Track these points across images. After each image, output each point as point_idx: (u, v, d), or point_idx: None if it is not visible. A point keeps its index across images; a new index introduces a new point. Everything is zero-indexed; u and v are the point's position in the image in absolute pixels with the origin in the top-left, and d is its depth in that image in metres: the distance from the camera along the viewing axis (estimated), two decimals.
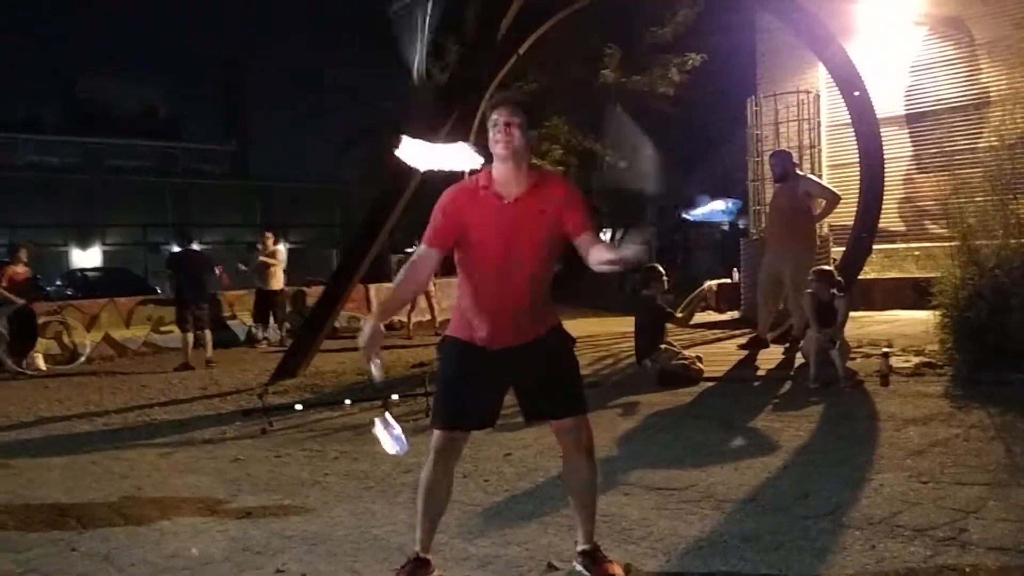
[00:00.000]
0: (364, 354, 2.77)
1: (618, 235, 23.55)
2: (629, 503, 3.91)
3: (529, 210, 2.83)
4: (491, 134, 2.84)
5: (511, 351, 2.89)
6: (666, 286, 7.50)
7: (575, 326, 11.56)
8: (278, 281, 12.70)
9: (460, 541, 3.46)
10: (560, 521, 3.67)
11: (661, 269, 7.54)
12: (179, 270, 11.01)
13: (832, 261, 8.89)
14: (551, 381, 2.99)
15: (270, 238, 13.12)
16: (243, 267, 13.52)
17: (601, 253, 2.75)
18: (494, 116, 2.83)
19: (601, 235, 2.94)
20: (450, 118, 8.71)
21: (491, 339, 2.87)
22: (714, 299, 12.72)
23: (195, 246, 11.62)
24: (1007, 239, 6.29)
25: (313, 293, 13.12)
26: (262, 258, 12.78)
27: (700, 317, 11.43)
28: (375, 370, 2.79)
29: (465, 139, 8.78)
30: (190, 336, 10.46)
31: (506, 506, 3.99)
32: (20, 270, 10.58)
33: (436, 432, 2.94)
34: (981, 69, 10.85)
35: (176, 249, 11.40)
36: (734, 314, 11.18)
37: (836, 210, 8.05)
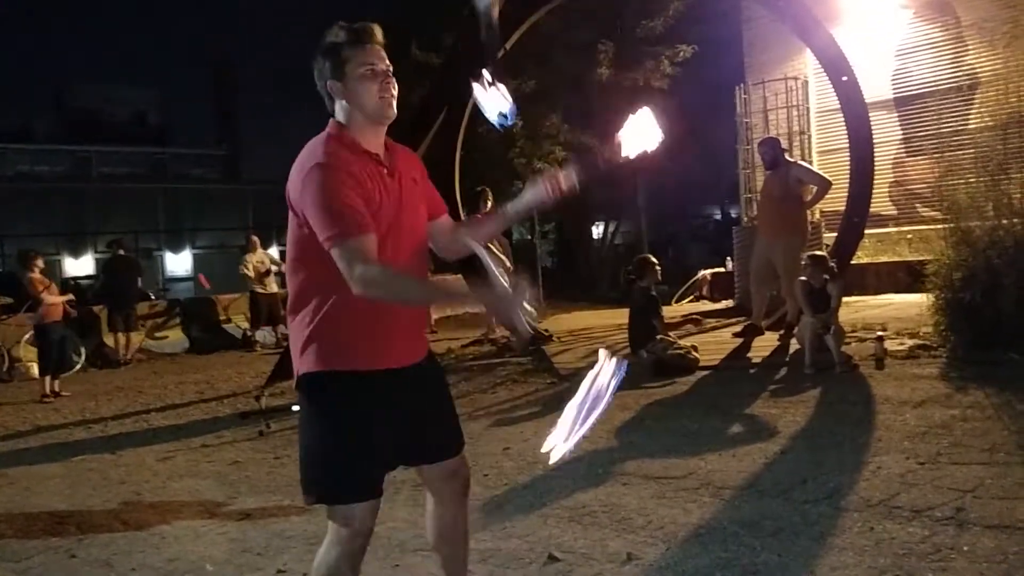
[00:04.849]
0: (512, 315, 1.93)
1: (611, 228, 23.57)
2: (628, 493, 3.92)
3: (407, 180, 2.20)
4: (358, 85, 2.11)
5: (399, 374, 2.19)
6: (659, 277, 7.53)
7: (570, 319, 11.67)
8: (273, 284, 12.78)
9: None
10: (560, 514, 3.69)
11: (655, 260, 7.56)
12: (111, 276, 11.64)
13: (824, 247, 8.91)
14: (437, 414, 2.33)
15: (257, 241, 13.24)
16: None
17: (475, 230, 2.34)
18: (365, 61, 2.11)
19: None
20: (439, 115, 8.71)
21: (377, 357, 2.13)
22: (708, 289, 12.74)
23: (123, 252, 12.23)
24: (999, 219, 6.31)
25: None
26: (250, 264, 12.83)
27: (694, 306, 11.45)
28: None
29: (453, 142, 8.75)
30: (121, 336, 11.46)
31: (506, 500, 3.99)
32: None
33: (345, 511, 2.14)
34: (968, 50, 10.85)
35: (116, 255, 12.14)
36: (728, 302, 11.19)
37: (827, 195, 8.06)
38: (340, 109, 2.17)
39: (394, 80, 2.17)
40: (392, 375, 2.17)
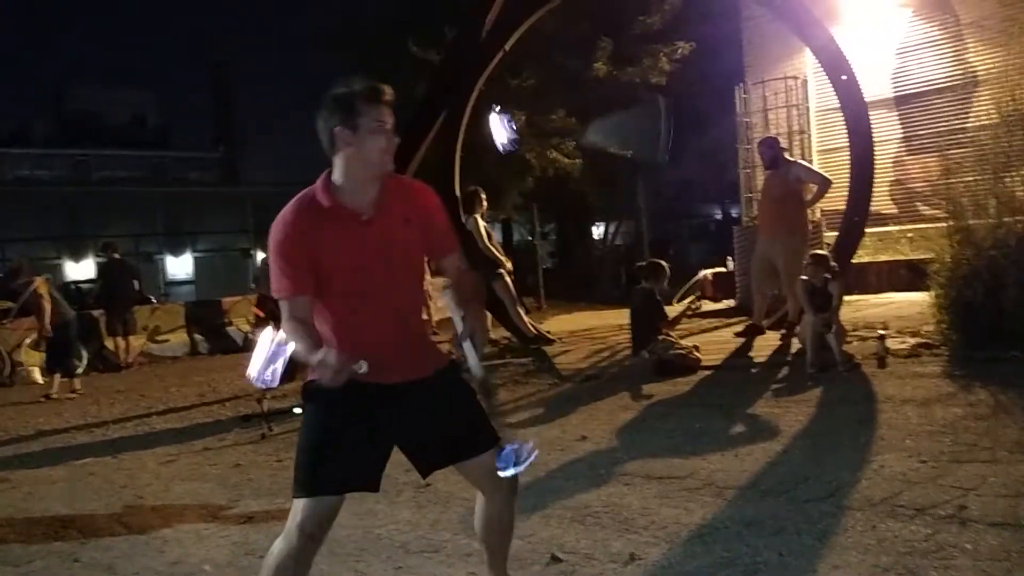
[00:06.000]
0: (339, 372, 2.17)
1: (611, 228, 23.57)
2: (630, 493, 3.92)
3: (392, 224, 2.36)
4: (367, 137, 2.28)
5: (391, 389, 2.36)
6: (666, 283, 7.58)
7: (571, 320, 11.68)
8: None
9: (463, 537, 3.46)
10: (562, 514, 3.69)
11: (666, 266, 7.56)
12: (107, 280, 11.71)
13: (825, 246, 8.90)
14: (461, 416, 2.46)
15: None
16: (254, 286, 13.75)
17: (459, 292, 2.45)
18: (372, 114, 2.29)
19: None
20: (439, 114, 8.72)
21: (377, 373, 2.27)
22: (710, 289, 12.75)
23: (117, 255, 12.46)
24: (1001, 218, 6.30)
25: None
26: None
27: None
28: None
29: (453, 142, 8.74)
30: (120, 340, 11.51)
31: None
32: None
33: (305, 504, 2.29)
34: (967, 49, 10.84)
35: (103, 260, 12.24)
36: (729, 302, 11.19)
37: (828, 194, 8.05)
38: (340, 157, 2.32)
39: (393, 134, 2.34)
40: (383, 389, 2.35)
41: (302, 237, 2.28)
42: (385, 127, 2.30)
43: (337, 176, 2.33)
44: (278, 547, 2.33)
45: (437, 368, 2.48)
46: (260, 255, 13.57)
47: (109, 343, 11.80)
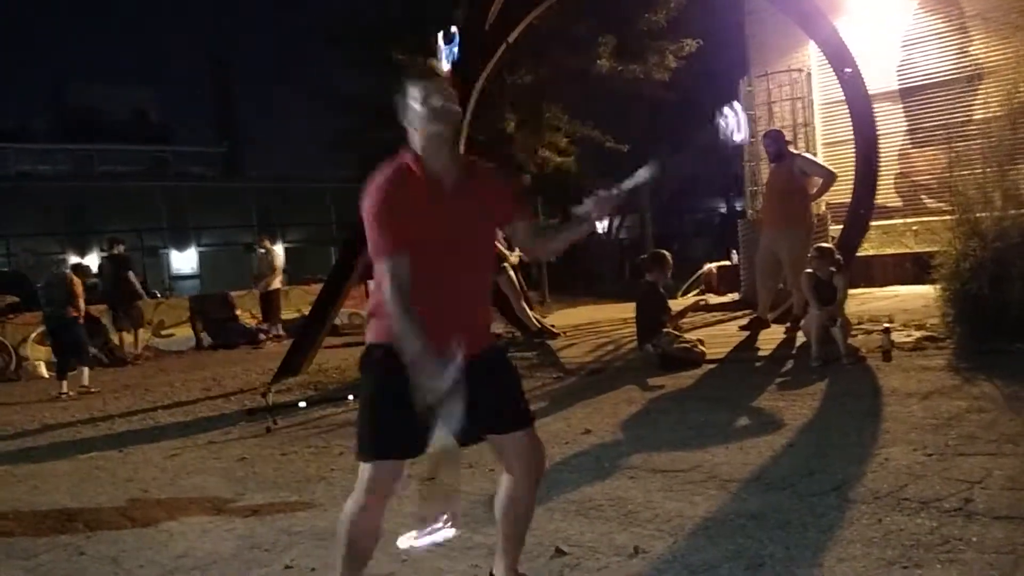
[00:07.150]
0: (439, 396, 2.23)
1: (615, 222, 23.56)
2: (634, 486, 3.92)
3: (469, 198, 2.48)
4: (421, 114, 2.42)
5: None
6: (670, 274, 7.56)
7: (575, 314, 11.67)
8: (276, 282, 13.01)
9: (467, 530, 3.46)
10: (566, 507, 3.69)
11: (669, 256, 7.55)
12: (103, 276, 11.81)
13: (830, 239, 8.88)
14: (503, 392, 2.59)
15: (266, 240, 13.63)
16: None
17: (557, 240, 2.68)
18: (424, 99, 2.42)
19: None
20: None
21: (439, 344, 2.34)
22: (715, 283, 12.73)
23: (117, 251, 12.58)
24: (1006, 210, 6.28)
25: (312, 291, 13.19)
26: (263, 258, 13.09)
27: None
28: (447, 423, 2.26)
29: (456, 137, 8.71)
30: (126, 335, 11.65)
31: None
32: None
33: (372, 467, 2.45)
34: (972, 41, 10.79)
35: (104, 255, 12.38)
36: (734, 296, 11.17)
37: (833, 188, 8.03)
38: (414, 137, 2.47)
39: (456, 110, 2.46)
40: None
41: (397, 199, 2.38)
42: (436, 109, 2.41)
43: (417, 152, 2.47)
44: (350, 503, 2.51)
45: (489, 346, 2.62)
46: (261, 249, 13.52)
47: (115, 338, 11.83)
